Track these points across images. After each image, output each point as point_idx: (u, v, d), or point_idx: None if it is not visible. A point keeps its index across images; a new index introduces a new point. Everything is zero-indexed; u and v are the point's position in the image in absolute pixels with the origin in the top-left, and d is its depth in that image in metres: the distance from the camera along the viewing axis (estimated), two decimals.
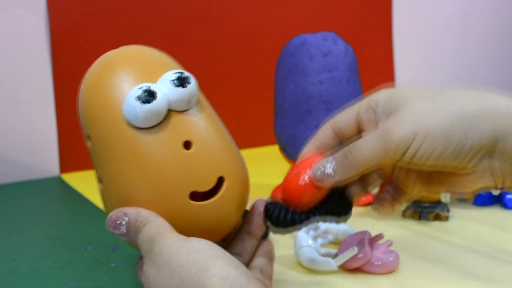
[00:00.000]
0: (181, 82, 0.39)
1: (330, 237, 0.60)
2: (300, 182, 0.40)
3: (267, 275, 0.42)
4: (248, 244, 0.43)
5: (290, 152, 0.74)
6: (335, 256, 0.55)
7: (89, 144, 0.42)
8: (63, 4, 1.00)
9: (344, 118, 0.43)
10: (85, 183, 0.95)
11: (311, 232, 0.59)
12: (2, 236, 0.70)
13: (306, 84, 0.72)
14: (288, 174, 0.42)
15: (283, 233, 0.42)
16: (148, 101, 0.37)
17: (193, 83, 0.39)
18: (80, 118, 0.42)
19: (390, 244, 0.55)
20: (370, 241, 0.54)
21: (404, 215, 0.69)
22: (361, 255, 0.52)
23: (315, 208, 0.41)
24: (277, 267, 0.56)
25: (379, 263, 0.53)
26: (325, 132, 0.44)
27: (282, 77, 0.75)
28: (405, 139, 0.37)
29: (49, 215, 0.80)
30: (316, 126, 0.72)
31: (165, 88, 0.39)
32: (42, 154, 1.02)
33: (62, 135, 1.03)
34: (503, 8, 1.53)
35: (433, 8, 1.45)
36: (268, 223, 0.42)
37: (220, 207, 0.39)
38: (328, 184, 0.40)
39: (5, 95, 0.99)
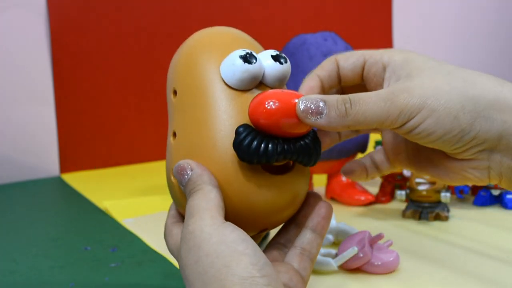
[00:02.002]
0: (280, 59, 0.41)
1: (330, 237, 0.60)
2: (267, 106, 0.36)
3: (308, 256, 0.40)
4: (293, 234, 0.42)
5: None
6: (335, 256, 0.55)
7: (172, 98, 0.43)
8: (63, 4, 1.00)
9: (352, 60, 0.40)
10: (85, 183, 0.95)
11: None
12: (2, 236, 0.70)
13: None
14: (258, 95, 0.38)
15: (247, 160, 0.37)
16: (250, 62, 0.39)
17: (288, 64, 0.41)
18: (169, 75, 0.44)
19: (390, 244, 0.55)
20: (370, 241, 0.54)
21: (404, 215, 0.69)
22: (361, 255, 0.52)
23: (287, 141, 0.37)
24: None
25: (379, 263, 0.53)
26: (330, 65, 0.41)
27: None
28: (410, 110, 0.34)
29: (49, 215, 0.80)
30: None
31: (264, 60, 0.40)
32: (42, 154, 1.02)
33: (62, 135, 1.03)
34: (504, 9, 1.53)
35: (433, 9, 1.45)
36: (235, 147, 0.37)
37: (287, 184, 0.39)
38: (310, 122, 0.36)
39: (5, 95, 0.99)
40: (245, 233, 0.35)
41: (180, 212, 0.43)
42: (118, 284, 0.54)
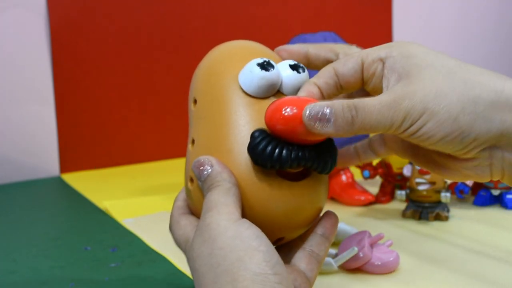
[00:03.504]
0: (297, 68, 0.41)
1: None
2: (284, 112, 0.36)
3: (316, 258, 0.41)
4: (295, 239, 0.43)
5: None
6: (335, 256, 0.55)
7: (192, 107, 0.43)
8: (63, 3, 1.00)
9: (351, 65, 0.39)
10: (85, 183, 0.95)
11: None
12: (2, 236, 0.70)
13: None
14: (274, 103, 0.38)
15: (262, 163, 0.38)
16: (267, 69, 0.40)
17: (306, 73, 0.42)
18: (191, 86, 0.45)
19: (390, 244, 0.55)
20: (370, 241, 0.54)
21: (404, 215, 0.69)
22: (361, 255, 0.52)
23: (302, 148, 0.37)
24: None
25: (379, 263, 0.53)
26: (328, 74, 0.40)
27: None
28: (413, 115, 0.35)
29: (49, 215, 0.80)
30: None
31: (282, 69, 0.41)
32: (42, 154, 1.02)
33: (62, 135, 1.03)
34: (504, 10, 1.53)
35: (433, 9, 1.45)
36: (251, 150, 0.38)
37: (302, 192, 0.39)
38: (317, 131, 0.36)
39: (5, 95, 0.99)
40: (260, 230, 0.36)
41: (188, 206, 0.43)
42: (118, 284, 0.54)
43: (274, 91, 0.40)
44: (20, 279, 0.56)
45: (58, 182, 0.99)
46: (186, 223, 0.41)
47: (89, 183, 0.95)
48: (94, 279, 0.55)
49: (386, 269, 0.53)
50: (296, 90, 0.41)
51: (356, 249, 0.52)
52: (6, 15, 0.97)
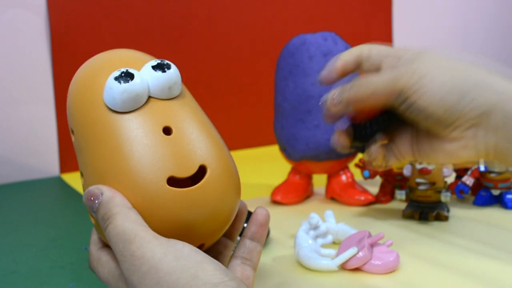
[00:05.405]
0: (161, 67, 0.39)
1: (330, 237, 0.60)
2: None
3: (249, 266, 0.40)
4: (223, 245, 0.41)
5: (290, 152, 0.74)
6: (335, 256, 0.55)
7: (73, 139, 0.41)
8: (63, 4, 1.00)
9: (377, 51, 0.46)
10: None
11: (311, 232, 0.59)
12: (2, 236, 0.70)
13: (306, 84, 0.72)
14: None
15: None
16: (126, 81, 0.37)
17: (173, 69, 0.39)
18: (67, 116, 0.42)
19: (390, 244, 0.55)
20: (370, 241, 0.54)
21: (404, 215, 0.69)
22: (361, 255, 0.52)
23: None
24: (277, 267, 0.56)
25: (379, 263, 0.53)
26: (361, 51, 0.46)
27: (282, 77, 0.75)
28: (414, 76, 0.41)
29: (49, 215, 0.80)
30: (316, 126, 0.72)
31: (145, 74, 0.38)
32: (42, 154, 1.02)
33: (62, 135, 1.03)
34: (505, 11, 1.53)
35: (434, 9, 1.45)
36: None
37: (201, 195, 0.37)
38: (337, 101, 0.44)
39: (5, 95, 0.99)
40: (191, 245, 0.35)
41: (100, 238, 0.41)
42: None
43: (143, 98, 0.38)
44: (20, 279, 0.56)
45: (58, 182, 0.99)
46: (108, 259, 0.40)
47: None
48: (94, 279, 0.55)
49: (386, 269, 0.53)
50: (166, 89, 0.38)
51: (356, 249, 0.52)
52: (6, 15, 0.97)
